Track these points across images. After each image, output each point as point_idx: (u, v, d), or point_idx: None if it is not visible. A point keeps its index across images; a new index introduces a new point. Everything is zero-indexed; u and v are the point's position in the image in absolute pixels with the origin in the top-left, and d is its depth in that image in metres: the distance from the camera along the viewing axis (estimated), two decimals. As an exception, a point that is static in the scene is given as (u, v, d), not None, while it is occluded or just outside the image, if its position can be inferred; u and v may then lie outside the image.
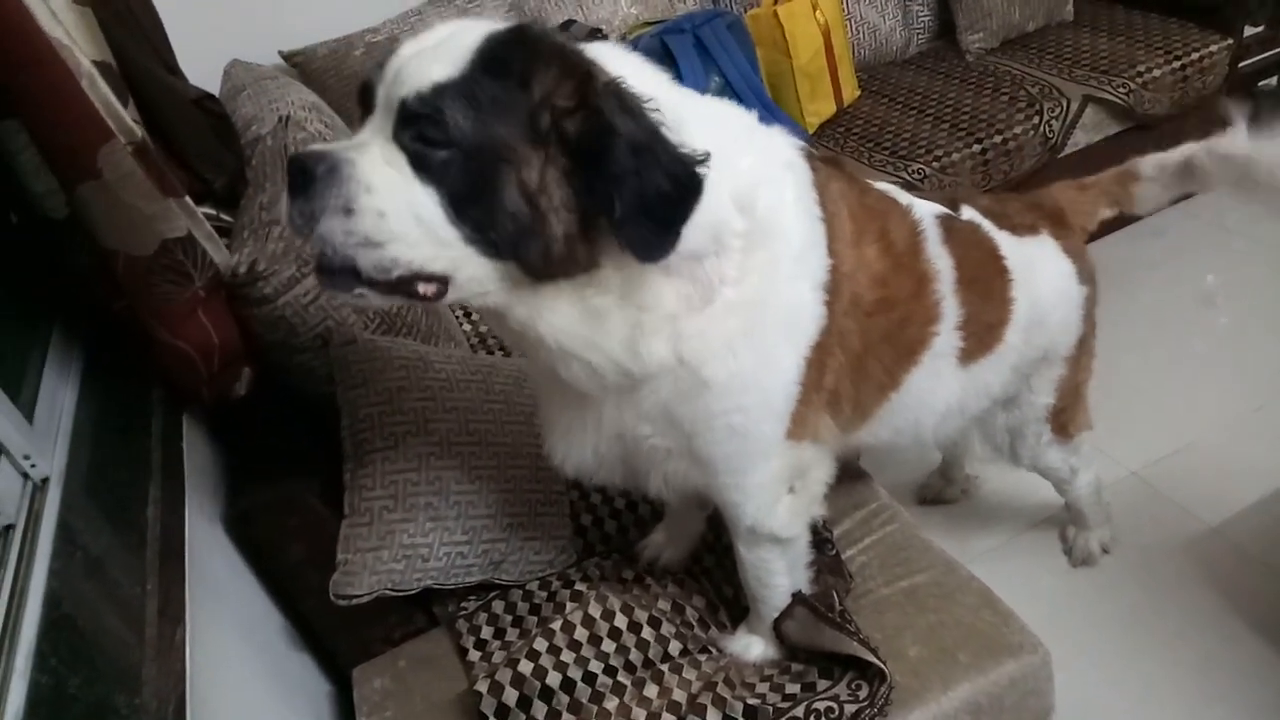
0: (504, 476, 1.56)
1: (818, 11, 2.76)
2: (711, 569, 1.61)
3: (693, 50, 2.63)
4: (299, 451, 1.61)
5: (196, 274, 1.33)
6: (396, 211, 0.95)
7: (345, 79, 2.63)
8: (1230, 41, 2.84)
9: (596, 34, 2.68)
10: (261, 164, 1.86)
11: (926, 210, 1.38)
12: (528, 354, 1.21)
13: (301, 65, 2.67)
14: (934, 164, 2.58)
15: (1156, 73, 2.77)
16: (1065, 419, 1.76)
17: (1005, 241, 1.50)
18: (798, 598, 1.41)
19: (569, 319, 1.07)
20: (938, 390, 1.44)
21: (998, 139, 2.63)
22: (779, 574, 1.39)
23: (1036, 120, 2.69)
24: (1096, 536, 2.05)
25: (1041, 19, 3.06)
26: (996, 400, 1.63)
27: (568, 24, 2.69)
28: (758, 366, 1.16)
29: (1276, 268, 2.76)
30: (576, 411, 1.24)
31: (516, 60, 0.96)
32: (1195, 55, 2.80)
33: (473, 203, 0.96)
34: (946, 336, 1.38)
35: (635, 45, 2.70)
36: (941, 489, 2.28)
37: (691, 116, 1.04)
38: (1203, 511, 2.10)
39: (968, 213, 1.50)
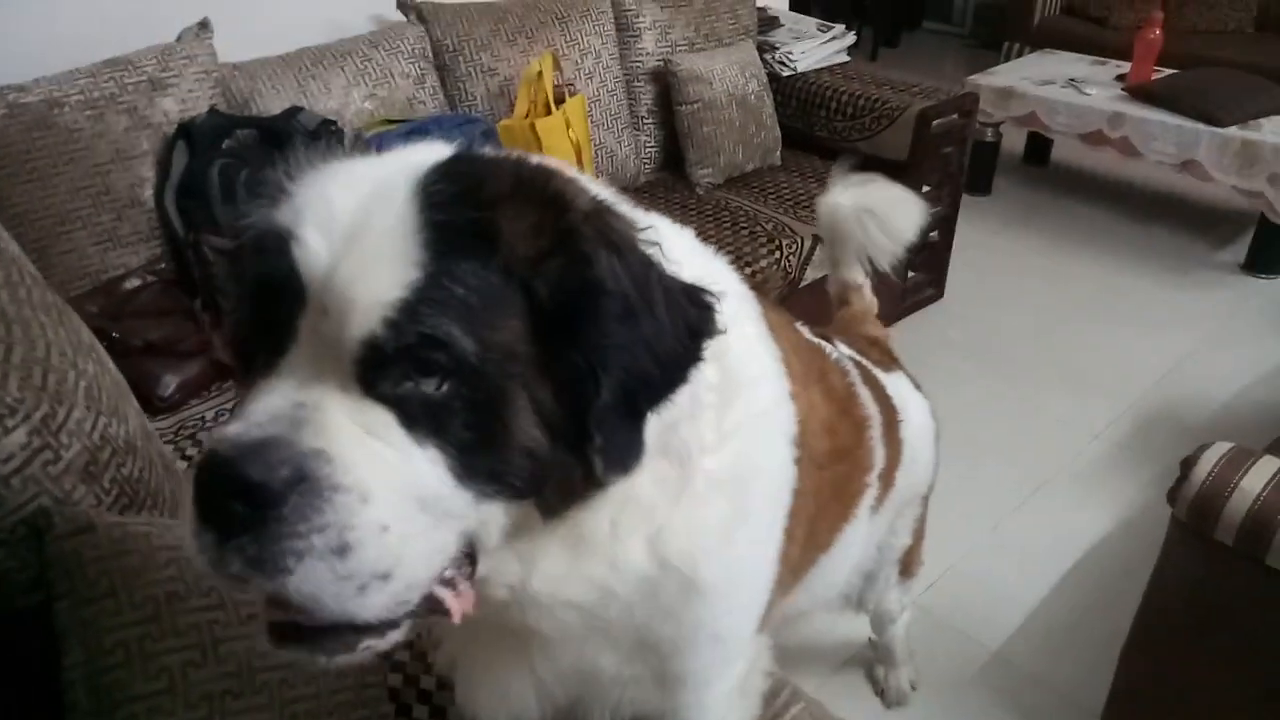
0: (326, 707, 1.10)
1: (570, 130, 2.64)
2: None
3: (445, 156, 2.35)
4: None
5: None
6: (400, 514, 0.61)
7: (-26, 147, 1.96)
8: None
9: (329, 125, 2.29)
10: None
11: (843, 353, 1.26)
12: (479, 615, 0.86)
13: (-97, 122, 1.94)
14: (696, 292, 2.53)
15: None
16: (910, 559, 1.71)
17: (886, 380, 1.43)
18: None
19: (559, 559, 0.77)
20: (854, 545, 1.29)
21: (747, 271, 2.67)
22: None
23: (778, 255, 2.78)
24: (905, 674, 2.02)
25: (758, 161, 3.24)
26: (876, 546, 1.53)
27: (293, 111, 2.27)
28: (752, 554, 0.92)
29: (991, 386, 3.04)
30: (516, 655, 0.89)
31: (472, 207, 0.65)
32: (891, 205, 3.12)
33: (482, 448, 0.64)
34: (873, 486, 1.25)
35: (378, 145, 2.36)
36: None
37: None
38: (982, 635, 2.17)
39: (843, 349, 1.40)
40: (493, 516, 0.68)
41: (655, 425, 0.74)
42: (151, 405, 1.89)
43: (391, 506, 0.61)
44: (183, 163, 2.10)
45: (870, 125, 3.27)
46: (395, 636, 0.66)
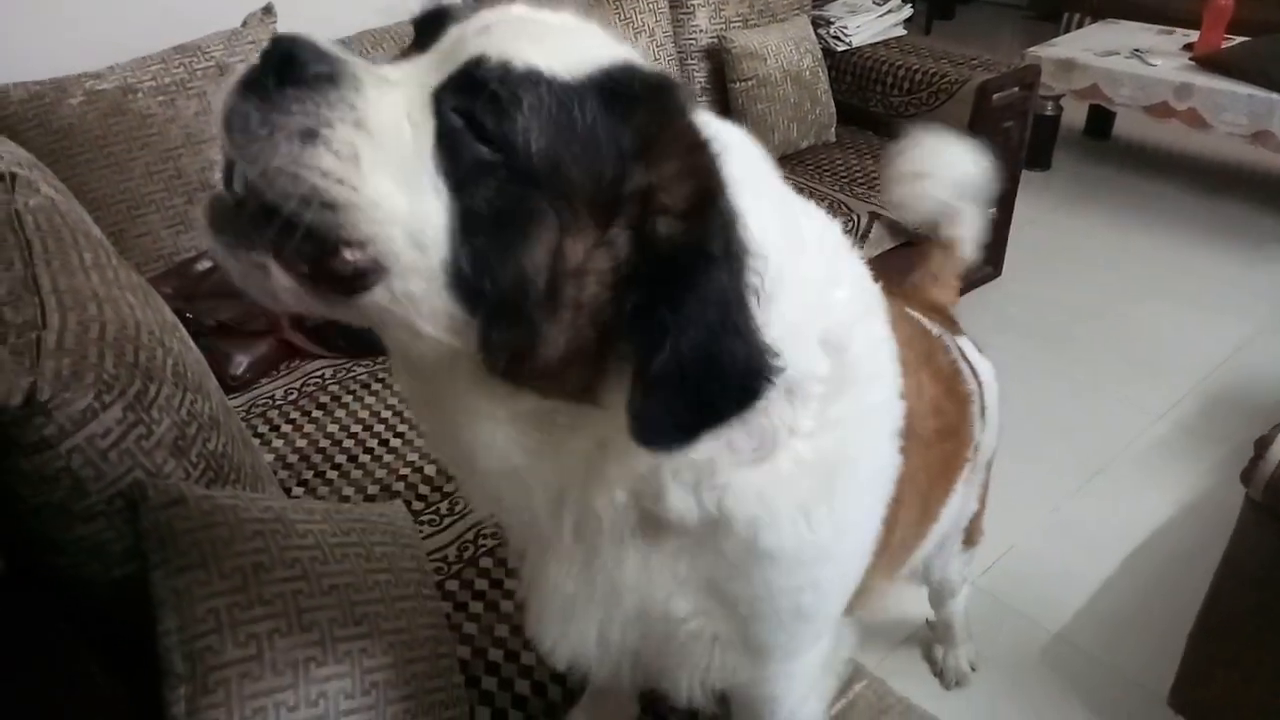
0: (403, 677, 1.14)
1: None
2: (659, 764, 1.30)
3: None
4: (74, 675, 1.06)
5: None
6: (378, 178, 0.64)
7: (53, 134, 2.02)
8: (971, 172, 3.14)
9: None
10: (-23, 238, 1.29)
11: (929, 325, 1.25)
12: (436, 434, 0.87)
13: (-14, 110, 2.01)
14: (752, 271, 2.52)
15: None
16: (974, 526, 1.70)
17: (965, 347, 1.41)
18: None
19: (507, 436, 0.75)
20: (949, 517, 1.30)
21: (803, 249, 2.65)
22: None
23: (834, 233, 2.75)
24: (964, 654, 2.01)
25: (813, 138, 3.21)
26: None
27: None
28: (838, 536, 0.91)
29: (1051, 365, 2.98)
30: (580, 576, 0.91)
31: (646, 115, 0.69)
32: (948, 182, 3.06)
33: (486, 233, 0.66)
34: (971, 459, 1.25)
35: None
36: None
37: (786, 248, 0.77)
38: (1042, 618, 2.15)
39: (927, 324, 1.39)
40: (432, 283, 0.67)
41: None
42: (224, 384, 1.94)
43: (378, 160, 0.64)
44: (250, 146, 2.14)
45: (928, 99, 3.21)
46: (283, 283, 0.66)
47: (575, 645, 0.95)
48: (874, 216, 2.84)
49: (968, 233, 1.69)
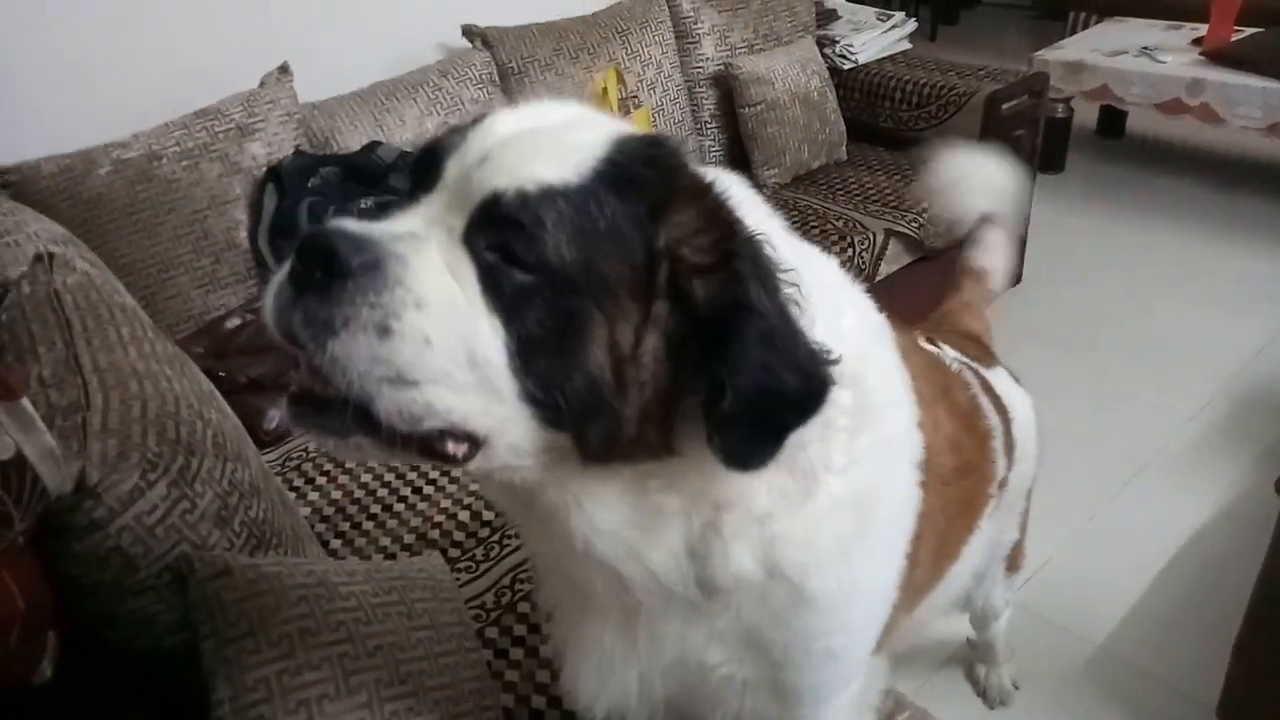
0: (450, 732, 1.16)
1: (637, 142, 2.67)
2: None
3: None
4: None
5: (19, 514, 0.84)
6: (447, 343, 0.67)
7: (84, 204, 2.08)
8: (986, 182, 3.14)
9: (406, 157, 2.36)
10: (18, 320, 1.33)
11: (953, 358, 1.26)
12: (543, 548, 0.94)
13: (18, 186, 2.06)
14: (771, 296, 2.54)
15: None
16: (1016, 553, 1.70)
17: (996, 380, 1.41)
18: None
19: (615, 515, 0.79)
20: (976, 553, 1.30)
21: (821, 270, 2.66)
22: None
23: (850, 252, 2.76)
24: (1008, 672, 2.00)
25: (824, 157, 3.23)
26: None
27: (373, 146, 2.35)
28: (869, 573, 0.93)
29: (1077, 371, 2.94)
30: (619, 629, 0.93)
31: (652, 183, 0.72)
32: (962, 194, 3.07)
33: (547, 353, 0.69)
34: (995, 495, 1.25)
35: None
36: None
37: (802, 274, 0.79)
38: (1086, 630, 2.13)
39: (950, 353, 1.40)
40: (519, 421, 0.71)
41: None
42: (257, 439, 1.98)
43: (442, 329, 0.67)
44: (273, 204, 2.20)
45: (937, 113, 3.22)
46: (380, 455, 0.70)
47: (615, 699, 0.96)
48: (890, 233, 2.85)
49: (997, 262, 1.70)
